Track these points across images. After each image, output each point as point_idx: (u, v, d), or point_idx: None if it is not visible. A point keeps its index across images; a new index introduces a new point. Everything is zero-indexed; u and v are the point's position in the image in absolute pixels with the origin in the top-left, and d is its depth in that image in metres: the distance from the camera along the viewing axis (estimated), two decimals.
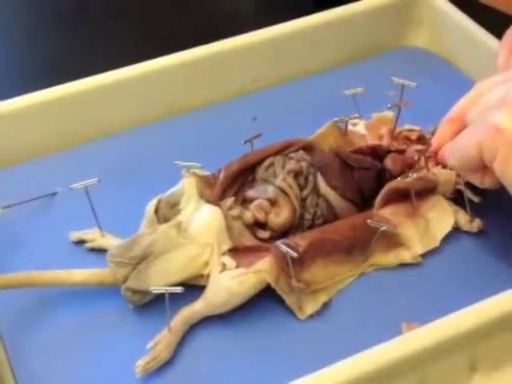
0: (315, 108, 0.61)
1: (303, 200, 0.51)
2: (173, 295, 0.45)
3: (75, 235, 0.52)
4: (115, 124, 0.60)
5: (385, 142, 0.55)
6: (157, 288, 0.45)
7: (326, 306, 0.48)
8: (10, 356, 0.47)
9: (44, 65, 0.73)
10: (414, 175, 0.51)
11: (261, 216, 0.50)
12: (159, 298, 0.46)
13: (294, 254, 0.46)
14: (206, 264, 0.48)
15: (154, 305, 0.47)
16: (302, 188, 0.51)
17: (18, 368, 0.46)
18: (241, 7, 0.84)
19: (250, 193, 0.51)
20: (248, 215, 0.50)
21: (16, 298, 0.48)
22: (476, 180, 0.49)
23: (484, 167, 0.47)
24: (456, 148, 0.48)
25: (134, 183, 0.55)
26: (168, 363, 0.45)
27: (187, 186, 0.50)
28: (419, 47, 0.69)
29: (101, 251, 0.51)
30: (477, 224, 0.51)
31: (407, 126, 0.56)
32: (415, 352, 0.43)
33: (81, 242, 0.52)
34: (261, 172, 0.52)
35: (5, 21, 0.82)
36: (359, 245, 0.49)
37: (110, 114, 0.60)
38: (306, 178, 0.51)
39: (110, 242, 0.51)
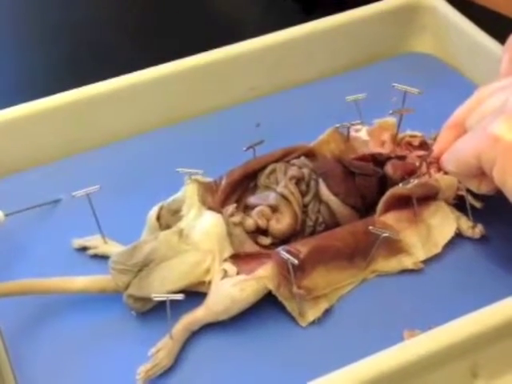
0: (318, 115, 0.61)
1: (305, 206, 0.51)
2: (174, 302, 0.45)
3: (78, 242, 0.52)
4: (117, 131, 0.60)
5: (387, 148, 0.55)
6: (158, 295, 0.45)
7: (327, 312, 0.48)
8: (12, 363, 0.47)
9: (46, 73, 0.74)
10: (416, 181, 0.51)
11: (262, 223, 0.50)
12: (161, 304, 0.46)
13: (295, 261, 0.46)
14: (208, 271, 0.48)
15: (155, 312, 0.48)
16: (303, 194, 0.51)
17: (20, 375, 0.46)
18: (245, 14, 0.84)
19: (252, 199, 0.51)
20: (249, 222, 0.50)
21: (19, 306, 0.49)
22: (473, 186, 0.49)
23: (481, 174, 0.47)
24: (454, 154, 0.49)
25: (136, 190, 0.55)
26: (169, 370, 0.45)
27: (189, 192, 0.51)
28: (423, 53, 0.69)
29: (103, 258, 0.51)
30: (479, 230, 0.51)
31: (409, 132, 0.56)
32: (417, 359, 0.42)
33: (83, 249, 0.52)
34: (263, 179, 0.52)
35: (11, 30, 0.82)
36: (361, 251, 0.49)
37: (111, 122, 0.60)
38: (308, 185, 0.51)
39: (113, 248, 0.51)
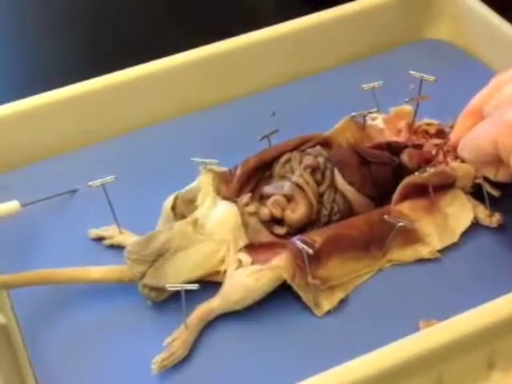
0: (334, 103, 0.60)
1: (320, 196, 0.51)
2: (189, 292, 0.45)
3: (94, 232, 0.52)
4: (132, 121, 0.60)
5: (403, 137, 0.55)
6: (173, 285, 0.45)
7: (342, 302, 0.48)
8: (29, 352, 0.47)
9: (62, 64, 0.74)
10: (432, 170, 0.51)
11: (277, 212, 0.50)
12: (176, 294, 0.46)
13: (310, 251, 0.46)
14: (223, 261, 0.48)
15: (171, 301, 0.48)
16: (318, 184, 0.51)
17: (37, 363, 0.47)
18: (261, 2, 0.83)
19: (267, 189, 0.51)
20: (264, 211, 0.50)
21: (35, 296, 0.49)
22: (490, 173, 0.49)
23: (498, 161, 0.46)
24: (470, 142, 0.48)
25: (152, 180, 0.55)
26: (185, 360, 0.45)
27: (204, 182, 0.51)
28: (440, 39, 0.68)
29: (119, 248, 0.51)
30: (496, 219, 0.51)
31: (426, 120, 0.55)
32: (432, 349, 0.42)
33: (99, 239, 0.52)
34: (278, 168, 0.52)
35: (23, 20, 0.82)
36: (376, 241, 0.49)
37: (127, 112, 0.60)
38: (323, 174, 0.51)
39: (128, 238, 0.51)
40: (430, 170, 0.51)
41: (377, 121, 0.56)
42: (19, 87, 0.70)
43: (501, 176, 0.48)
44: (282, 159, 0.52)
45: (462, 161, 0.52)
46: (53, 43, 0.77)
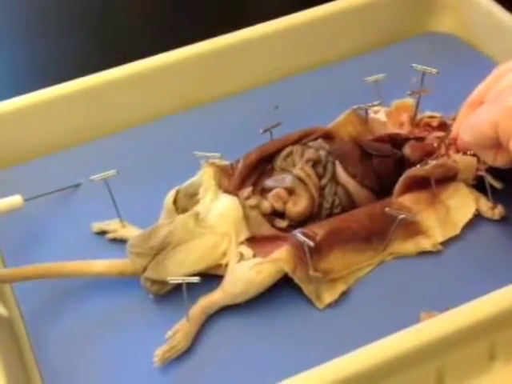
0: (337, 96, 0.60)
1: (322, 189, 0.51)
2: (191, 285, 0.45)
3: (97, 226, 0.53)
4: (135, 116, 0.60)
5: (405, 129, 0.55)
6: (174, 278, 0.45)
7: (344, 294, 0.48)
8: (33, 345, 0.48)
9: (61, 61, 0.74)
10: (434, 162, 0.51)
11: (278, 205, 0.50)
12: (179, 287, 0.46)
13: (311, 243, 0.46)
14: (224, 254, 0.48)
15: (173, 294, 0.48)
16: (320, 177, 0.51)
17: (40, 356, 0.47)
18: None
19: (268, 182, 0.51)
20: (266, 205, 0.50)
21: (39, 289, 0.49)
22: (489, 157, 0.48)
23: (498, 145, 0.46)
24: (471, 126, 0.48)
25: (154, 174, 0.56)
26: (186, 352, 0.46)
27: (205, 176, 0.51)
28: (443, 32, 0.68)
29: (122, 242, 0.51)
30: (499, 211, 0.51)
31: (428, 113, 0.55)
32: (433, 340, 0.42)
33: (102, 233, 0.52)
34: (279, 161, 0.52)
35: (23, 20, 0.83)
36: (378, 233, 0.49)
37: (129, 107, 0.60)
38: (325, 167, 0.51)
39: (131, 232, 0.51)
40: (432, 163, 0.51)
41: (379, 114, 0.56)
42: (20, 83, 0.70)
43: (499, 161, 0.48)
44: (284, 152, 0.52)
45: (464, 153, 0.52)
46: (52, 42, 0.78)
